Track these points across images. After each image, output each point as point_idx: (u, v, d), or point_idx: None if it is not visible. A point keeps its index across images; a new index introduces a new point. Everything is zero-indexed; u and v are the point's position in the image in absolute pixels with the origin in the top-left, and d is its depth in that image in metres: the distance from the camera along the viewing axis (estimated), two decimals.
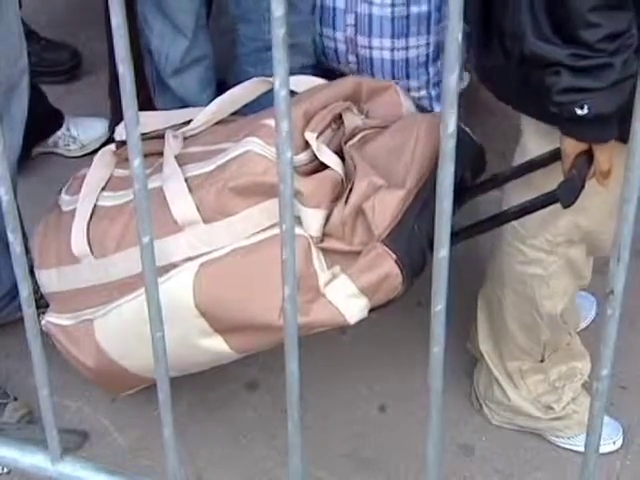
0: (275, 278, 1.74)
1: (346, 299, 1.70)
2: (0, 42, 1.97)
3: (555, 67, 1.54)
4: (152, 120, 2.04)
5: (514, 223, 1.90)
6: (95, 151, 2.84)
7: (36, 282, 2.36)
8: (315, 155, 1.79)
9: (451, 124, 0.73)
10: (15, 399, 2.19)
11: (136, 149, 0.81)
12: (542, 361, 2.11)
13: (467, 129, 1.91)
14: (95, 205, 1.94)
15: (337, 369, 2.33)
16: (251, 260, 1.75)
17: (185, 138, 1.98)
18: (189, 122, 2.03)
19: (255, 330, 1.75)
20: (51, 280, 2.00)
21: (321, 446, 2.14)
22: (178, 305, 1.75)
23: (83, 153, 2.90)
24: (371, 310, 1.72)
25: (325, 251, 1.74)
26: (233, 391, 2.30)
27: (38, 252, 2.02)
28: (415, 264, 1.71)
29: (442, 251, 0.78)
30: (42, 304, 2.36)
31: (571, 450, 2.15)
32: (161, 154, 1.93)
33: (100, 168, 2.03)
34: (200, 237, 1.78)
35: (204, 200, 1.79)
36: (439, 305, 0.81)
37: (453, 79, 0.72)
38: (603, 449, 2.09)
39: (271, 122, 1.81)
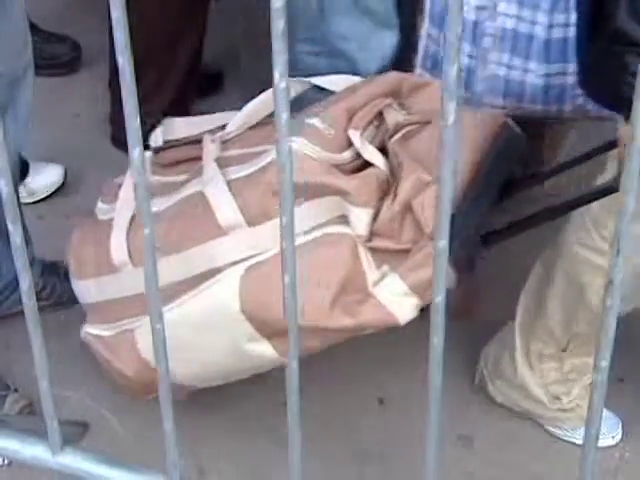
0: (323, 279, 1.71)
1: (396, 298, 1.67)
2: (4, 37, 1.97)
3: (638, 48, 1.51)
4: (186, 125, 2.01)
5: (595, 203, 1.80)
6: (46, 198, 2.72)
7: (36, 275, 2.37)
8: (358, 153, 1.76)
9: (451, 116, 0.73)
10: (16, 391, 2.19)
11: (136, 139, 0.81)
12: (564, 351, 2.09)
13: (510, 121, 1.88)
14: (133, 213, 1.91)
15: (337, 362, 2.33)
16: (297, 262, 1.73)
17: (222, 142, 1.95)
18: (223, 127, 2.00)
19: (303, 332, 1.72)
20: (89, 290, 1.97)
21: (321, 439, 2.14)
22: (224, 311, 1.73)
23: (32, 200, 2.72)
24: (422, 309, 1.69)
25: (373, 250, 1.70)
26: (234, 383, 2.30)
27: (75, 262, 1.99)
28: (467, 260, 1.68)
29: (442, 241, 0.78)
30: (43, 296, 2.37)
31: (570, 442, 2.15)
32: (198, 159, 1.91)
33: None
34: (244, 240, 1.75)
35: (247, 203, 1.76)
36: (439, 296, 0.81)
37: (453, 71, 0.72)
38: (602, 443, 2.09)
39: (312, 121, 1.79)
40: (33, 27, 2.98)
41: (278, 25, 0.73)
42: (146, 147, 2.10)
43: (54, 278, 2.41)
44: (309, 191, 1.72)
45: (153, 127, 2.73)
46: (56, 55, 3.14)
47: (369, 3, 2.16)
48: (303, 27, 2.22)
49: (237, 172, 1.82)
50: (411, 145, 1.80)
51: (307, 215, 1.73)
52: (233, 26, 3.01)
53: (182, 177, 1.96)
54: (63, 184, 2.76)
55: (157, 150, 2.04)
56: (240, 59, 3.02)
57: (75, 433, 2.14)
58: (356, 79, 1.99)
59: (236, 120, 1.99)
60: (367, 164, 1.76)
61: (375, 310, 1.67)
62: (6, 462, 2.09)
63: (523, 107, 2.10)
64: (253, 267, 1.73)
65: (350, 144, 1.77)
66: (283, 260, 0.83)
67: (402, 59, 2.19)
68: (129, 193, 1.95)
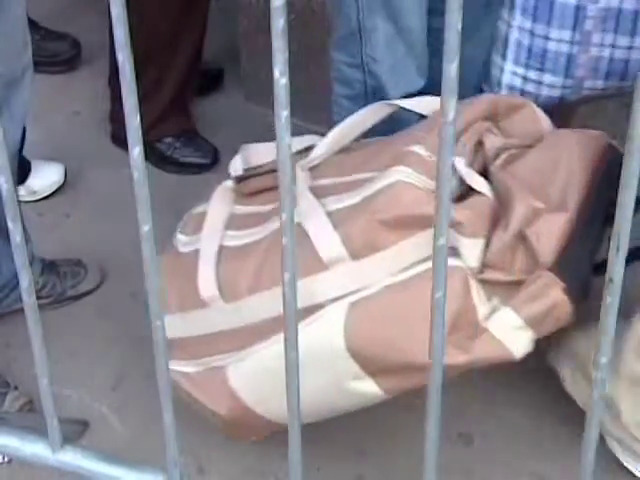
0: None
1: (511, 332, 1.61)
2: (3, 37, 1.97)
3: None
4: (265, 151, 1.95)
5: None
6: (46, 197, 2.73)
7: (36, 273, 2.37)
8: (461, 180, 1.70)
9: (451, 112, 0.73)
10: (15, 388, 2.19)
11: (136, 137, 0.81)
12: None
13: (614, 142, 1.81)
14: (220, 244, 1.84)
15: None
16: (405, 297, 1.65)
17: (309, 169, 1.88)
18: (302, 151, 1.93)
19: (411, 370, 1.66)
20: (172, 326, 1.85)
21: (321, 436, 2.14)
22: (328, 348, 1.67)
23: (33, 199, 2.73)
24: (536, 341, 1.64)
25: (483, 282, 1.65)
26: None
27: None
28: (581, 289, 1.63)
29: (441, 239, 0.78)
30: (42, 295, 2.37)
31: (629, 470, 2.08)
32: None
33: (220, 206, 1.93)
34: (348, 275, 1.69)
35: (350, 235, 1.69)
36: (439, 292, 0.81)
37: (453, 68, 0.72)
38: None
39: (417, 149, 1.73)
40: (33, 25, 2.99)
41: (278, 23, 0.73)
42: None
43: (54, 277, 2.41)
44: (415, 223, 1.66)
45: (153, 124, 2.76)
46: (56, 53, 3.14)
47: (410, 23, 2.14)
48: (342, 37, 2.21)
49: (336, 203, 1.75)
50: (514, 170, 1.73)
51: (413, 249, 1.67)
52: (233, 24, 3.01)
53: (268, 207, 1.88)
54: (63, 182, 2.76)
55: (239, 179, 1.97)
56: (240, 57, 3.03)
57: (75, 431, 2.14)
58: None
59: (321, 146, 1.91)
60: (469, 191, 1.69)
61: (489, 345, 1.61)
62: (6, 459, 2.10)
63: (624, 86, 2.06)
64: (358, 303, 1.67)
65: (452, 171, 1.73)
66: (283, 257, 0.83)
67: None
68: (214, 224, 1.89)
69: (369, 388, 1.72)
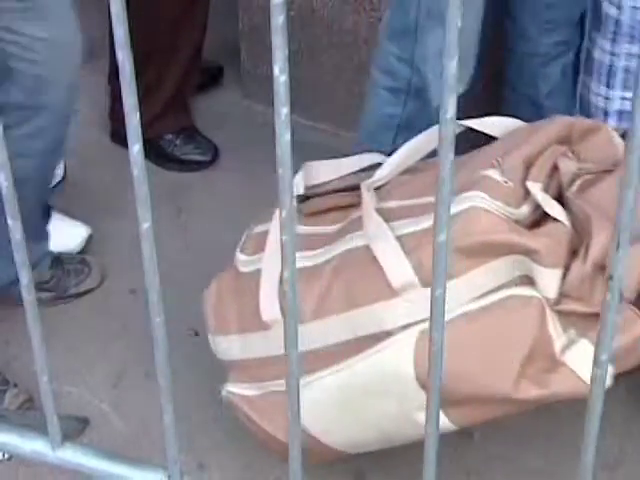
0: (508, 345, 1.61)
1: (589, 366, 1.58)
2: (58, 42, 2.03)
3: None
4: (325, 170, 1.91)
5: None
6: None
7: (46, 266, 2.37)
8: (536, 206, 1.66)
9: (450, 109, 0.73)
10: (15, 385, 2.19)
11: (136, 135, 0.81)
12: None
13: None
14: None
15: None
16: (479, 326, 1.61)
17: (375, 190, 1.83)
18: (364, 170, 1.89)
19: (483, 402, 1.63)
20: (232, 347, 1.86)
21: None
22: (396, 377, 1.64)
23: None
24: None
25: (560, 313, 1.60)
26: None
27: (213, 316, 1.88)
28: None
29: (441, 236, 0.78)
30: (47, 287, 2.38)
31: None
32: (346, 207, 1.83)
33: None
34: (418, 302, 1.64)
35: (422, 261, 1.64)
36: (439, 290, 0.81)
37: (453, 65, 0.72)
38: None
39: (492, 173, 1.68)
40: None
41: (277, 20, 0.73)
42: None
43: (59, 272, 2.41)
44: (491, 251, 1.62)
45: (153, 121, 2.76)
46: None
47: (467, 32, 2.12)
48: (397, 30, 2.18)
49: (407, 227, 1.71)
50: (591, 197, 1.67)
51: (487, 276, 1.63)
52: (233, 22, 3.01)
53: (333, 227, 1.84)
54: (62, 179, 2.76)
55: (302, 199, 1.91)
56: (240, 55, 3.02)
57: (75, 428, 2.14)
58: (517, 122, 1.88)
59: (386, 166, 1.86)
60: (544, 217, 1.65)
61: (567, 380, 1.57)
62: (6, 457, 2.10)
63: None
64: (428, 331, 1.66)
65: (526, 196, 1.66)
66: (283, 255, 0.83)
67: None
68: (276, 245, 1.81)
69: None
